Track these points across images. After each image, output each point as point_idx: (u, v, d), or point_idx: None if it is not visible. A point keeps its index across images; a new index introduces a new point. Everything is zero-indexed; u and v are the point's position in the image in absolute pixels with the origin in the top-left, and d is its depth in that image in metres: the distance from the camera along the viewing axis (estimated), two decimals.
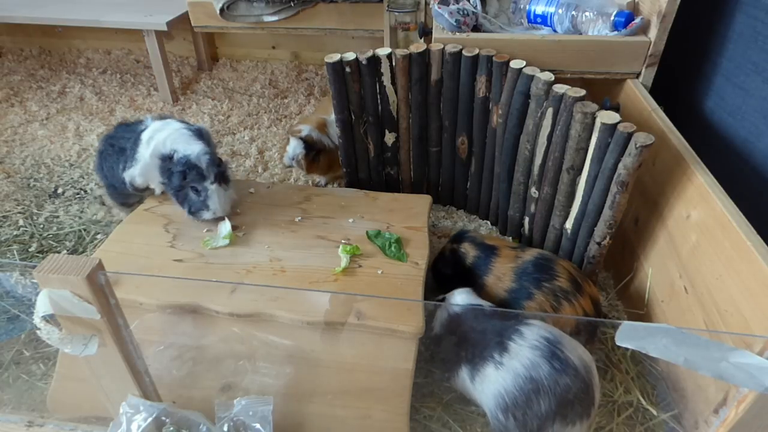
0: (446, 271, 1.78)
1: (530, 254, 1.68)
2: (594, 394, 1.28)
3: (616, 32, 1.92)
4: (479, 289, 1.65)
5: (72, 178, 2.55)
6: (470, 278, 1.70)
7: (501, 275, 1.65)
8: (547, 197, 1.82)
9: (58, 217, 2.28)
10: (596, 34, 1.95)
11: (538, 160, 1.80)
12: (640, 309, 1.72)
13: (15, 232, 2.18)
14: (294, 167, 2.24)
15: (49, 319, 1.00)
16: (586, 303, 1.57)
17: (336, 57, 1.85)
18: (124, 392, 1.16)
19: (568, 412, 1.24)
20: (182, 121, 1.82)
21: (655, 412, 1.47)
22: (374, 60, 1.87)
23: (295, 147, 2.17)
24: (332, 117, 2.30)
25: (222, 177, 1.69)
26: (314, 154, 2.19)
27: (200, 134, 1.74)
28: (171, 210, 1.81)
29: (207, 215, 1.70)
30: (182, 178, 1.65)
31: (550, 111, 1.67)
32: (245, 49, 3.79)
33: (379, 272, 1.57)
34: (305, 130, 2.20)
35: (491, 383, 1.31)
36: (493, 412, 1.32)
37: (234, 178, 1.92)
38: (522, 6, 2.14)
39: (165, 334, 1.50)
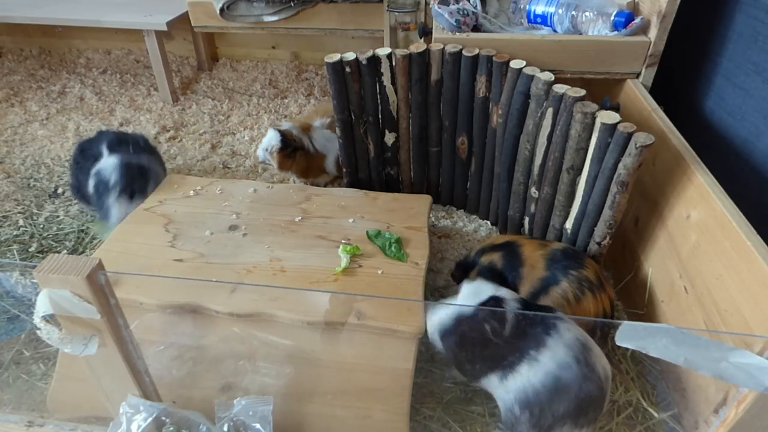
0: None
1: (556, 244, 1.69)
2: (605, 404, 1.29)
3: (616, 32, 1.92)
4: (518, 282, 1.63)
5: None
6: (506, 280, 1.65)
7: (534, 263, 1.64)
8: (547, 197, 1.82)
9: (58, 217, 2.27)
10: (596, 34, 1.95)
11: (538, 160, 1.80)
12: (640, 309, 1.72)
13: (15, 232, 2.18)
14: (266, 162, 2.16)
15: (49, 319, 1.00)
16: (606, 301, 1.57)
17: (336, 57, 1.85)
18: (124, 392, 1.16)
19: (580, 417, 1.24)
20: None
21: (655, 414, 1.47)
22: (374, 60, 1.87)
23: (270, 138, 2.10)
24: (318, 123, 2.28)
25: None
26: (290, 150, 2.14)
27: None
28: (171, 210, 1.81)
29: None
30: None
31: (550, 111, 1.67)
32: (245, 49, 3.79)
33: (379, 272, 1.57)
34: (286, 125, 2.17)
35: (519, 378, 1.28)
36: (509, 403, 1.29)
37: (234, 177, 1.96)
38: (522, 6, 2.14)
39: (165, 334, 1.50)
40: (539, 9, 2.06)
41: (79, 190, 2.12)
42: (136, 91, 3.37)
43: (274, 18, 2.83)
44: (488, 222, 2.22)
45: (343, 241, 1.67)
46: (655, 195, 1.71)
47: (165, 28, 2.92)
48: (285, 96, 3.30)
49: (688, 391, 1.40)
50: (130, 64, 3.74)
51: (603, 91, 2.11)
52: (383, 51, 1.87)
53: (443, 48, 1.83)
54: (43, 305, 0.97)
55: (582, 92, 1.59)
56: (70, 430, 1.32)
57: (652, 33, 1.88)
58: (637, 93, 1.91)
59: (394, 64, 1.88)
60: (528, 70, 1.71)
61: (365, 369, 1.41)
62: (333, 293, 1.49)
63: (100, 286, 0.97)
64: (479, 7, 2.10)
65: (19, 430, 1.31)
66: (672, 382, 1.50)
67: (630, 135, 1.48)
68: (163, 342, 1.49)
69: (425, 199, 1.94)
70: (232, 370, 1.44)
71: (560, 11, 2.00)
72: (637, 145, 1.44)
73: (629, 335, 0.89)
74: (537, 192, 1.86)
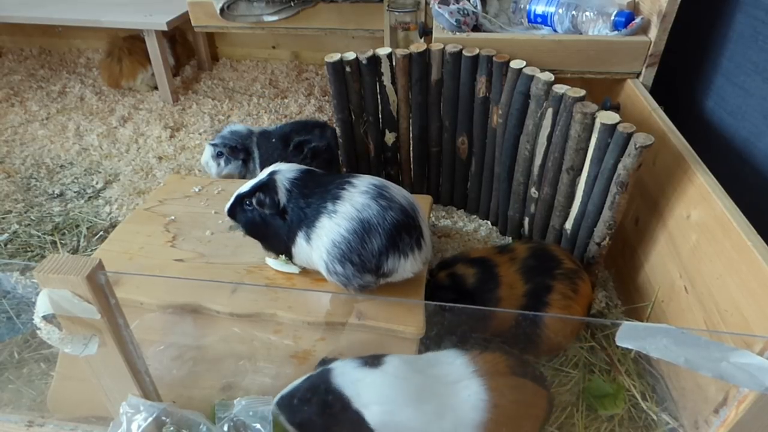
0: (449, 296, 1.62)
1: (522, 250, 1.66)
2: (423, 229, 1.42)
3: (616, 32, 1.92)
4: (495, 304, 1.58)
5: (72, 178, 2.55)
6: (479, 298, 1.60)
7: (512, 282, 1.60)
8: (547, 197, 1.82)
9: (58, 216, 2.27)
10: (596, 34, 1.95)
11: (537, 161, 1.80)
12: (640, 309, 1.72)
13: (15, 232, 2.18)
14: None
15: (50, 319, 1.00)
16: (585, 273, 1.64)
17: (336, 57, 1.85)
18: (124, 392, 1.16)
19: (399, 244, 1.35)
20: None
21: (655, 416, 1.47)
22: (374, 60, 1.87)
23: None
24: None
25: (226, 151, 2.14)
26: None
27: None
28: (171, 210, 1.81)
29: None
30: None
31: (549, 111, 1.67)
32: (245, 49, 3.79)
33: None
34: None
35: (326, 233, 1.35)
36: (330, 266, 1.37)
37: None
38: (522, 6, 2.14)
39: (165, 334, 1.50)
40: (539, 9, 2.06)
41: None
42: (136, 91, 3.37)
43: (274, 18, 2.83)
44: (488, 222, 2.22)
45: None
46: (655, 195, 1.71)
47: (165, 28, 2.92)
48: (285, 96, 3.30)
49: (688, 391, 1.40)
50: None
51: (603, 91, 2.11)
52: (383, 51, 1.87)
53: (443, 48, 1.83)
54: (43, 305, 0.97)
55: (582, 92, 1.59)
56: (70, 430, 1.32)
57: (652, 33, 1.88)
58: (637, 93, 1.91)
59: (394, 63, 1.88)
60: (528, 71, 1.71)
61: None
62: (334, 293, 1.49)
63: (100, 286, 0.97)
64: (479, 6, 2.10)
65: (19, 430, 1.31)
66: (672, 382, 1.50)
67: (629, 135, 1.48)
68: (163, 342, 1.49)
69: (425, 199, 1.93)
70: (232, 370, 1.44)
71: (560, 11, 2.00)
72: (637, 146, 1.44)
73: (629, 335, 0.89)
74: (537, 192, 1.86)
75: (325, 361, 1.32)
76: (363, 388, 1.20)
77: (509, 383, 1.30)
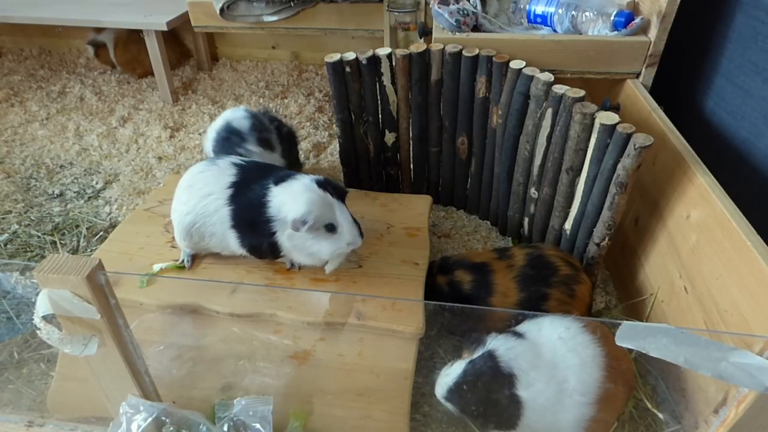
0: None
1: (520, 257, 1.67)
2: None
3: (616, 32, 1.92)
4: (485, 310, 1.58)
5: (72, 178, 2.55)
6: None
7: (506, 291, 1.61)
8: (547, 198, 1.82)
9: (58, 216, 2.28)
10: (596, 34, 1.95)
11: (537, 161, 1.80)
12: (640, 309, 1.72)
13: (15, 232, 2.18)
14: None
15: (49, 319, 1.01)
16: (583, 273, 1.66)
17: (336, 57, 1.85)
18: (124, 392, 1.16)
19: None
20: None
21: (660, 416, 1.47)
22: (374, 60, 1.87)
23: None
24: None
25: (264, 142, 1.90)
26: None
27: (252, 114, 1.97)
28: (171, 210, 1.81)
29: None
30: (227, 143, 1.87)
31: (549, 111, 1.67)
32: (245, 49, 3.79)
33: (380, 272, 1.57)
34: None
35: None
36: None
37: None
38: (522, 6, 2.14)
39: (165, 334, 1.50)
40: (539, 9, 2.06)
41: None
42: (135, 91, 3.37)
43: (274, 18, 2.83)
44: (488, 222, 2.22)
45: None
46: (655, 195, 1.71)
47: (165, 28, 2.92)
48: (285, 96, 3.30)
49: (688, 391, 1.41)
50: None
51: (603, 91, 2.11)
52: (383, 51, 1.87)
53: (443, 48, 1.83)
54: (43, 305, 0.97)
55: (581, 93, 1.59)
56: (70, 430, 1.32)
57: (652, 33, 1.88)
58: (637, 93, 1.91)
59: (394, 64, 1.88)
60: (528, 71, 1.71)
61: (365, 369, 1.41)
62: (333, 293, 1.49)
63: (100, 286, 0.97)
64: (479, 7, 2.10)
65: (19, 430, 1.31)
66: (672, 382, 1.50)
67: (629, 136, 1.48)
68: (163, 342, 1.49)
69: (425, 200, 1.94)
70: (232, 370, 1.44)
71: (560, 11, 2.00)
72: (636, 146, 1.44)
73: (629, 335, 0.89)
74: (536, 192, 1.86)
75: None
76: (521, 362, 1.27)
77: (616, 347, 1.33)
